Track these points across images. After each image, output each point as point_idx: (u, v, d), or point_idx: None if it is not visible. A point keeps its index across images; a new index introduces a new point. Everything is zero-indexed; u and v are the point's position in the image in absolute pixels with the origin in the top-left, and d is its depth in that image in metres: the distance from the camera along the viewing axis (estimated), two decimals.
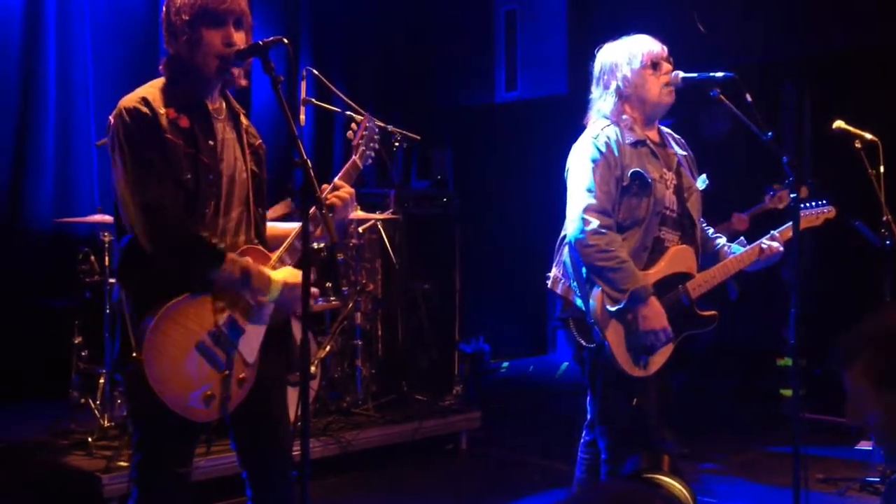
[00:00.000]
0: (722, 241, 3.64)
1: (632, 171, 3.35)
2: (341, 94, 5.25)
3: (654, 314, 3.28)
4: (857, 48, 6.44)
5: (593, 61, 3.55)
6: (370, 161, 3.06)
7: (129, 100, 2.67)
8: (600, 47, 3.54)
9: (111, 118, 2.68)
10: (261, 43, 2.65)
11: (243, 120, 2.89)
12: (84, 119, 6.08)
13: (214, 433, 4.31)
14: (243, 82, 2.81)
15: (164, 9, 2.74)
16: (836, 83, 6.92)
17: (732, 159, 7.22)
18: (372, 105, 7.19)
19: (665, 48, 3.46)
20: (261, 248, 2.83)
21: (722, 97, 3.37)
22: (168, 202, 2.61)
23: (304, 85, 5.13)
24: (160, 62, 2.78)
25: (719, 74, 3.37)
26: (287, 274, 2.76)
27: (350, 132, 3.04)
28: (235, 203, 2.79)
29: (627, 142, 3.39)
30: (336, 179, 2.90)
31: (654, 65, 3.41)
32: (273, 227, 3.00)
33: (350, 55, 7.76)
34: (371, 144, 3.03)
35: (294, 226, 2.94)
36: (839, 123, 4.47)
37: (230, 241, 2.78)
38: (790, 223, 3.48)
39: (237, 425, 2.91)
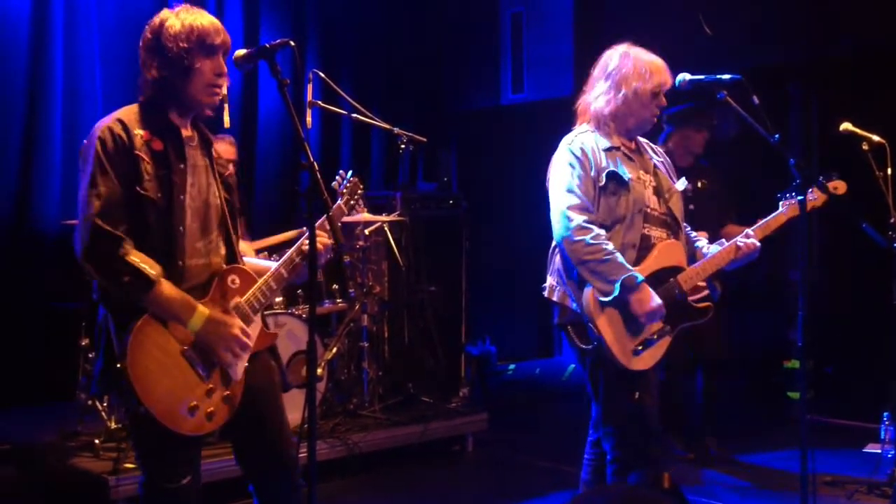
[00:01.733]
0: (702, 243, 3.69)
1: (607, 171, 3.41)
2: (347, 97, 5.26)
3: (647, 295, 3.31)
4: (864, 50, 6.42)
5: (609, 49, 3.55)
6: (354, 213, 3.31)
7: (105, 121, 2.74)
8: (624, 41, 3.55)
9: (86, 141, 2.74)
10: (267, 46, 2.69)
11: (215, 150, 2.94)
12: (91, 121, 6.02)
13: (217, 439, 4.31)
14: (210, 113, 2.88)
15: (149, 35, 2.77)
16: (844, 85, 6.90)
17: (749, 165, 7.22)
18: (378, 107, 7.19)
19: (670, 80, 3.50)
20: (246, 268, 2.88)
21: (729, 99, 3.38)
22: (114, 220, 2.67)
23: (310, 87, 5.13)
24: (143, 84, 2.81)
25: (726, 77, 3.40)
26: (216, 311, 2.76)
27: (335, 182, 3.17)
28: (213, 226, 2.85)
29: (602, 147, 3.45)
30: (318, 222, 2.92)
31: (656, 95, 3.46)
32: (249, 262, 3.02)
33: (356, 58, 7.76)
34: (355, 197, 3.19)
35: (268, 264, 3.00)
36: (846, 125, 4.45)
37: (209, 260, 2.82)
38: (766, 219, 3.61)
39: (235, 437, 2.93)
